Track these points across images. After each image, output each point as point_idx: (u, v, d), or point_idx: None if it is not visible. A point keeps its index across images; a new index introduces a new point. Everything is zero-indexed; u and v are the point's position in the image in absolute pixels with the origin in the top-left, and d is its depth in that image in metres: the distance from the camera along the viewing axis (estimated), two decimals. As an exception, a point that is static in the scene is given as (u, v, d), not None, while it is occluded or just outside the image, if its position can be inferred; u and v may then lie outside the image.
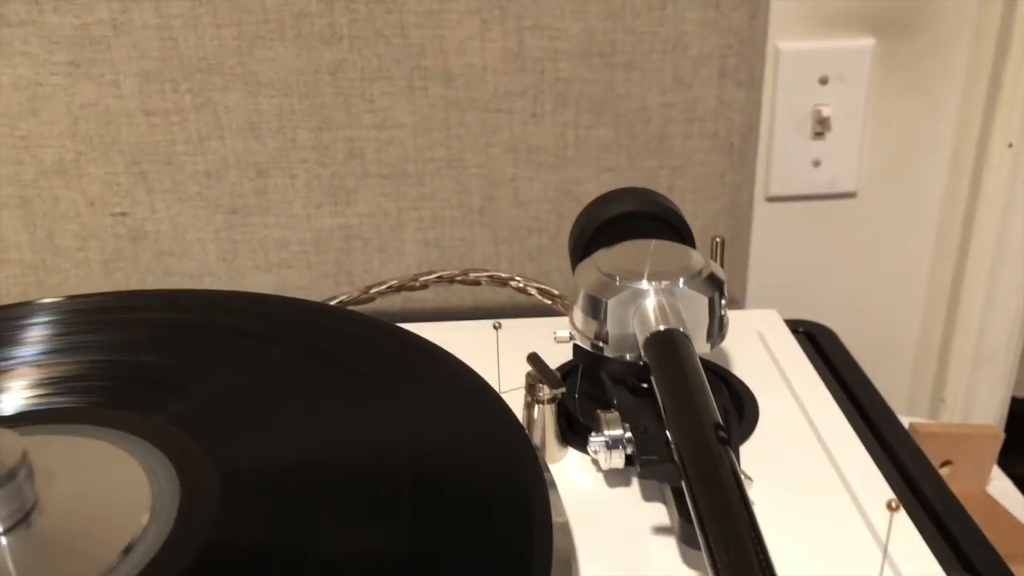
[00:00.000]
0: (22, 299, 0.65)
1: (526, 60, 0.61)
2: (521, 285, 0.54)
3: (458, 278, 0.55)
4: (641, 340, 0.39)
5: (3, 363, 0.41)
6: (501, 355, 0.45)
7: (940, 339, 0.74)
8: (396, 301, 0.62)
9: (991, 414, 0.73)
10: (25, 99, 0.60)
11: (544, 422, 0.41)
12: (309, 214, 0.64)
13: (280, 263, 0.66)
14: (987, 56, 0.65)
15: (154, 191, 0.63)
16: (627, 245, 0.44)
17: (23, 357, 0.42)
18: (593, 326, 0.41)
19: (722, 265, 0.47)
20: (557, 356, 0.46)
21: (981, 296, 0.70)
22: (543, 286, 0.54)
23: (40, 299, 0.47)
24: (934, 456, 0.51)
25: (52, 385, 0.40)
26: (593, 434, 0.38)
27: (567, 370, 0.46)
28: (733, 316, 0.46)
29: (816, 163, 0.68)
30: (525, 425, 0.41)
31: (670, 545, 0.36)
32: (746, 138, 0.64)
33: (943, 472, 0.55)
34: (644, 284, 0.40)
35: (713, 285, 0.41)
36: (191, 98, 0.61)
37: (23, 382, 0.40)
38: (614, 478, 0.40)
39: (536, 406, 0.41)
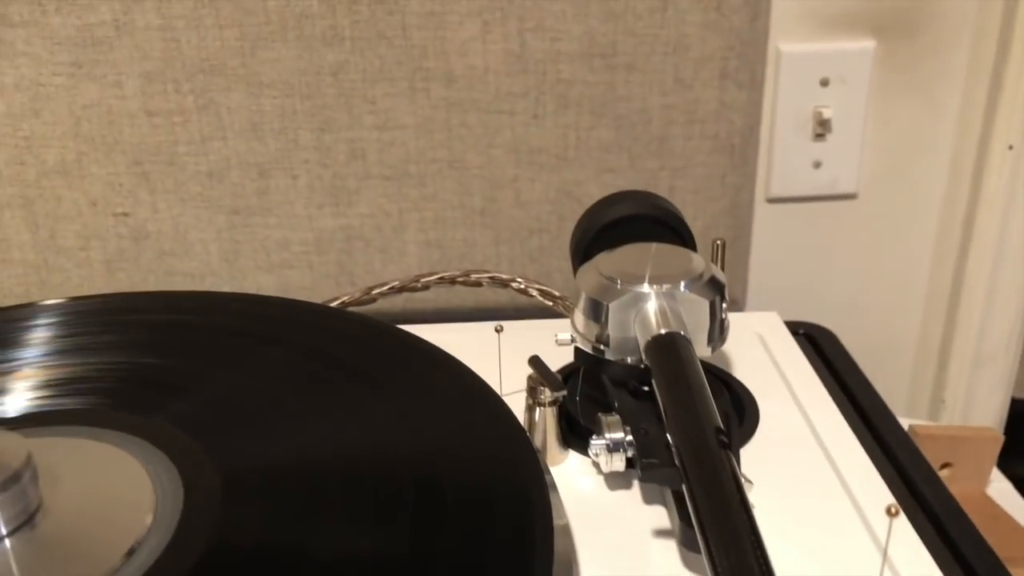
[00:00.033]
0: (24, 298, 0.66)
1: (528, 62, 0.61)
2: (522, 286, 0.54)
3: (459, 279, 0.55)
4: (642, 343, 0.39)
5: (7, 364, 0.42)
6: (502, 357, 0.45)
7: (940, 340, 0.74)
8: (397, 302, 0.62)
9: (991, 415, 0.74)
10: (28, 99, 0.60)
11: (545, 425, 0.41)
12: (311, 215, 0.65)
13: (282, 263, 0.66)
14: (988, 58, 0.65)
15: (156, 191, 0.63)
16: (628, 248, 0.44)
17: (26, 359, 0.42)
18: (594, 329, 0.41)
19: (723, 267, 0.47)
20: (558, 358, 0.46)
21: (981, 297, 0.70)
22: (544, 287, 0.54)
23: (43, 300, 0.47)
24: (934, 458, 0.52)
25: (55, 387, 0.40)
26: (594, 437, 0.38)
27: (568, 373, 0.46)
28: (734, 318, 0.46)
29: (817, 164, 0.68)
30: (526, 427, 0.41)
31: (670, 548, 0.36)
32: (747, 139, 0.65)
33: (943, 474, 0.55)
34: (645, 287, 0.40)
35: (714, 289, 0.41)
36: (193, 99, 0.61)
37: (26, 383, 0.41)
38: (615, 481, 0.40)
39: (537, 409, 0.41)
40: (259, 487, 0.35)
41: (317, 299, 0.63)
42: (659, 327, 0.39)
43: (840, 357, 0.54)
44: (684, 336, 0.39)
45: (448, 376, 0.41)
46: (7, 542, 0.31)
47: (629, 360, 0.41)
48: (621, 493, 0.40)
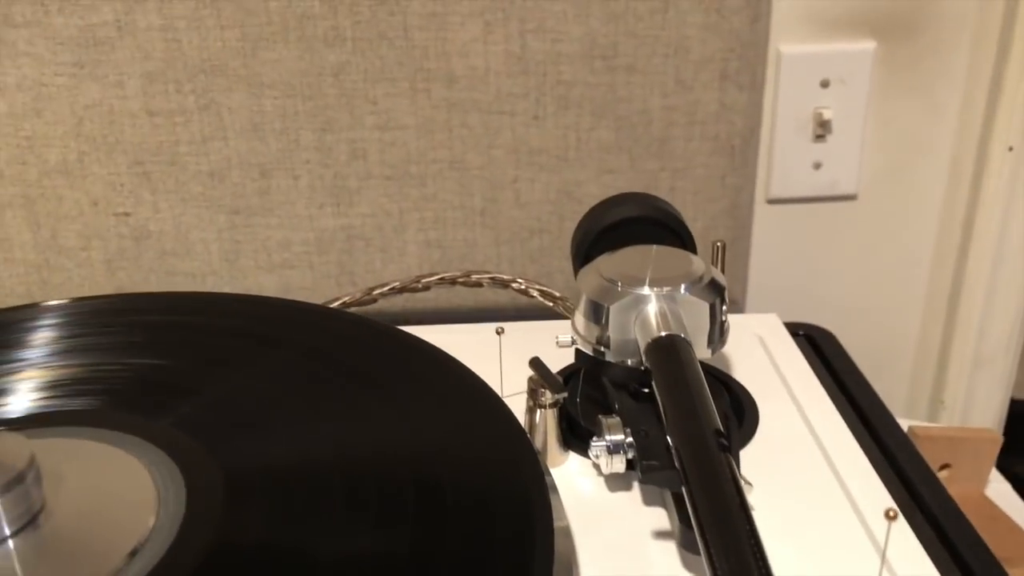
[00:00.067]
0: (26, 298, 0.66)
1: (528, 63, 0.61)
2: (523, 287, 0.54)
3: (460, 280, 0.55)
4: (643, 345, 0.39)
5: (10, 365, 0.42)
6: (503, 358, 0.45)
7: (940, 341, 0.74)
8: (398, 302, 0.62)
9: (990, 416, 0.74)
10: (30, 99, 0.60)
11: (546, 426, 0.41)
12: (312, 215, 0.65)
13: (283, 263, 0.66)
14: (988, 59, 0.65)
15: (157, 191, 0.63)
16: (629, 251, 0.44)
17: (29, 359, 0.42)
18: (595, 331, 0.42)
19: (723, 269, 0.47)
20: (559, 360, 0.46)
21: (981, 298, 0.70)
22: (545, 288, 0.54)
23: (45, 301, 0.47)
24: (933, 459, 0.52)
25: (57, 387, 0.41)
26: (594, 438, 0.38)
27: (569, 374, 0.46)
28: (733, 320, 0.46)
29: (817, 165, 0.68)
30: (527, 429, 0.41)
31: (670, 550, 0.37)
32: (747, 141, 0.65)
33: (942, 475, 0.55)
34: (646, 290, 0.41)
35: (714, 291, 0.41)
36: (195, 99, 0.61)
37: (29, 384, 0.41)
38: (615, 482, 0.40)
39: (538, 410, 0.41)
40: (261, 488, 0.35)
41: (318, 299, 0.64)
42: (659, 329, 0.39)
43: (839, 358, 0.54)
44: (684, 338, 0.39)
45: (449, 377, 0.41)
46: (10, 543, 0.31)
47: (629, 362, 0.41)
48: (621, 495, 0.40)
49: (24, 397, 0.40)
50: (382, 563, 0.31)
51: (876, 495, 0.40)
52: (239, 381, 0.41)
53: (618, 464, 0.38)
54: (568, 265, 0.51)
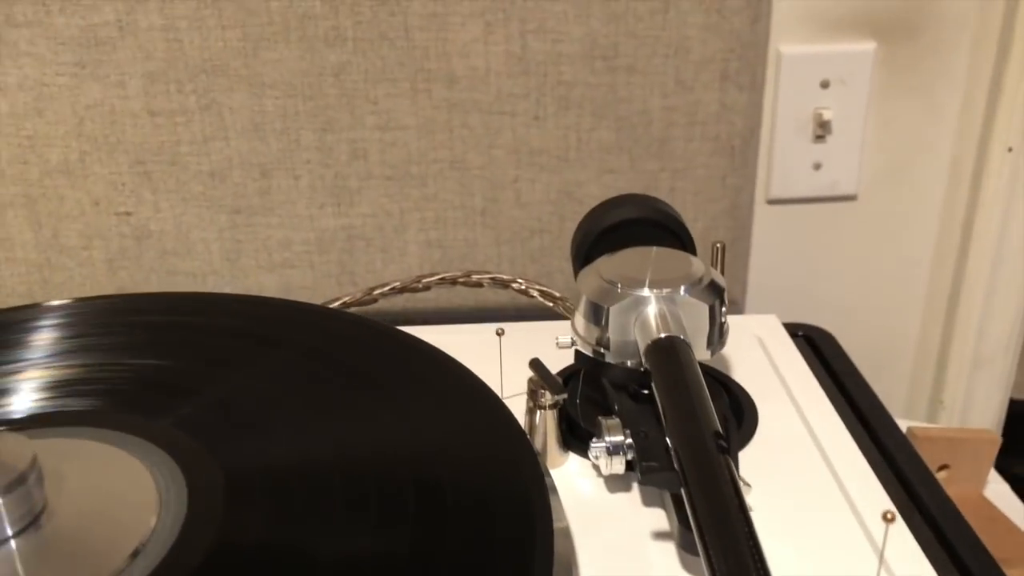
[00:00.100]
0: (27, 297, 0.66)
1: (529, 63, 0.61)
2: (523, 287, 0.54)
3: (460, 280, 0.56)
4: (642, 347, 0.39)
5: (12, 365, 0.42)
6: (503, 359, 0.46)
7: (939, 341, 0.74)
8: (398, 301, 0.62)
9: (989, 417, 0.74)
10: (31, 99, 0.61)
11: (546, 427, 0.41)
12: (312, 214, 0.65)
13: (283, 263, 0.66)
14: (988, 60, 0.65)
15: (158, 191, 0.64)
16: (629, 252, 0.44)
17: (31, 359, 0.42)
18: (595, 332, 0.42)
19: (722, 271, 0.47)
20: (559, 361, 0.46)
21: (980, 299, 0.70)
22: (545, 288, 0.55)
23: (47, 301, 0.47)
24: (932, 460, 0.52)
25: (59, 388, 0.41)
26: (594, 440, 0.38)
27: (569, 375, 0.47)
28: (733, 321, 0.47)
29: (817, 166, 0.68)
30: (527, 430, 0.41)
31: (670, 551, 0.37)
32: (747, 141, 0.65)
33: (940, 476, 0.55)
34: (645, 291, 0.41)
35: (714, 293, 0.41)
36: (196, 99, 0.61)
37: (31, 384, 0.41)
38: (615, 483, 0.40)
39: (538, 411, 0.41)
40: (262, 488, 0.35)
41: (318, 298, 0.64)
42: (659, 331, 0.39)
43: (839, 359, 0.54)
44: (684, 340, 0.39)
45: (449, 378, 0.41)
46: (12, 543, 0.31)
47: (629, 363, 0.41)
48: (620, 496, 0.40)
49: (26, 397, 0.40)
50: (382, 563, 0.32)
51: (875, 496, 0.40)
52: (240, 381, 0.42)
53: (617, 465, 0.38)
54: (568, 265, 0.51)
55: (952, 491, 0.44)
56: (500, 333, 0.45)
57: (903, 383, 0.77)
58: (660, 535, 0.37)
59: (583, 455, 0.42)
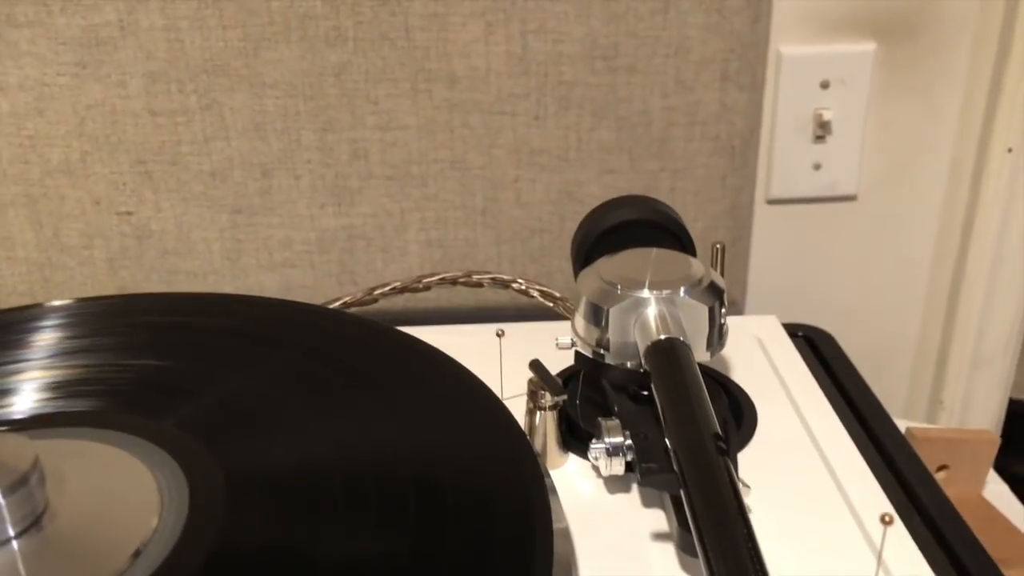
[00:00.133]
0: (28, 296, 0.66)
1: (530, 63, 0.61)
2: (523, 287, 0.55)
3: (461, 280, 0.56)
4: (642, 348, 0.39)
5: (14, 365, 0.42)
6: (503, 359, 0.46)
7: (939, 342, 0.74)
8: (398, 301, 0.62)
9: (989, 417, 0.74)
10: (32, 99, 0.61)
11: (546, 428, 0.41)
12: (313, 214, 0.65)
13: (284, 263, 0.66)
14: (988, 61, 0.66)
15: (159, 191, 0.64)
16: (629, 253, 0.44)
17: (33, 360, 0.42)
18: (595, 333, 0.42)
19: (722, 271, 0.47)
20: (559, 361, 0.46)
21: (980, 299, 0.70)
22: (545, 288, 0.55)
23: (48, 301, 0.47)
24: (931, 460, 0.52)
25: (60, 388, 0.41)
26: (594, 441, 0.38)
27: (568, 375, 0.47)
28: (733, 322, 0.47)
29: (817, 166, 0.68)
30: (527, 431, 0.41)
31: (669, 552, 0.37)
32: (747, 141, 0.65)
33: (939, 476, 0.55)
34: (645, 293, 0.41)
35: (713, 294, 0.41)
36: (197, 99, 0.61)
37: (32, 385, 0.41)
38: (614, 484, 0.41)
39: (538, 412, 0.41)
40: (263, 488, 0.35)
41: (319, 298, 0.64)
42: (659, 332, 0.39)
43: (838, 360, 0.54)
44: (683, 342, 0.39)
45: (449, 379, 0.41)
46: (14, 544, 0.31)
47: (629, 364, 0.41)
48: (620, 496, 0.40)
49: (27, 397, 0.40)
50: (383, 564, 0.32)
51: (873, 498, 0.40)
52: (240, 382, 0.42)
53: (617, 466, 0.38)
54: (568, 265, 0.51)
55: (951, 492, 0.44)
56: (500, 334, 0.45)
57: (903, 383, 0.77)
58: (659, 536, 0.38)
59: (583, 456, 0.42)
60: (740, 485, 0.33)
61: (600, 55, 0.62)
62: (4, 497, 0.31)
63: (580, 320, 0.43)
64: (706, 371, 0.43)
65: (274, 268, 0.66)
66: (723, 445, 0.34)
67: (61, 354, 0.43)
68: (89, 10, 0.59)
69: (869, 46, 0.65)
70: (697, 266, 0.43)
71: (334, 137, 0.63)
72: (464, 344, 0.44)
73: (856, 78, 0.66)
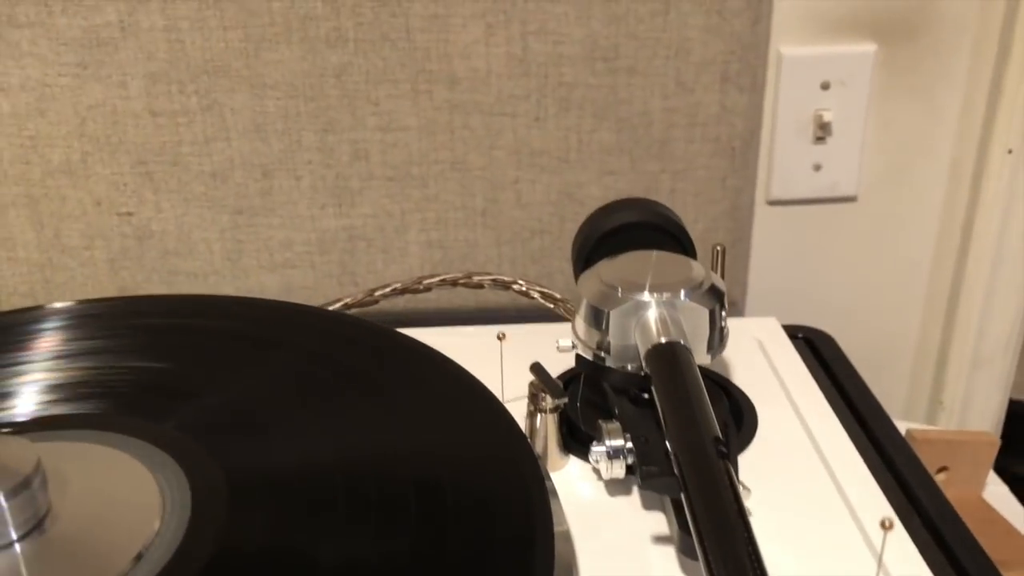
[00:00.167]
0: (29, 296, 0.66)
1: (530, 64, 0.61)
2: (523, 289, 0.55)
3: (461, 281, 0.56)
4: (643, 351, 0.39)
5: (16, 367, 0.42)
6: (504, 361, 0.46)
7: (939, 342, 0.74)
8: (399, 302, 0.62)
9: (989, 417, 0.74)
10: (33, 100, 0.61)
11: (546, 431, 0.41)
12: (314, 215, 0.65)
13: (284, 263, 0.66)
14: (988, 62, 0.66)
15: (160, 191, 0.64)
16: (629, 256, 0.44)
17: (34, 362, 0.43)
18: (595, 336, 0.42)
19: (722, 274, 0.47)
20: (560, 363, 0.46)
21: (980, 299, 0.70)
22: (546, 290, 0.55)
23: (50, 303, 0.47)
24: (930, 462, 0.52)
25: (62, 390, 0.41)
26: (595, 444, 0.39)
27: (569, 378, 0.47)
28: (733, 324, 0.47)
29: (817, 167, 0.68)
30: (527, 433, 0.41)
31: (670, 555, 0.37)
32: (748, 142, 0.65)
33: (939, 478, 0.56)
34: (646, 296, 0.41)
35: (714, 297, 0.42)
36: (197, 100, 0.61)
37: (34, 387, 0.41)
38: (615, 486, 0.41)
39: (538, 415, 0.41)
40: (264, 491, 0.35)
41: (319, 299, 0.64)
42: (659, 335, 0.39)
43: (838, 361, 0.54)
44: (684, 345, 0.39)
45: (449, 381, 0.41)
46: (17, 547, 0.32)
47: (630, 367, 0.41)
48: (621, 499, 0.40)
49: (29, 400, 0.40)
50: (384, 566, 0.32)
51: (873, 501, 0.40)
52: (241, 384, 0.42)
53: (618, 469, 0.38)
54: (568, 266, 0.52)
55: (951, 493, 0.44)
56: (501, 337, 0.45)
57: (903, 383, 0.77)
58: (660, 539, 0.38)
59: (583, 458, 0.42)
60: (740, 488, 0.33)
61: (600, 56, 0.62)
62: (7, 500, 0.31)
63: (581, 323, 0.43)
64: (707, 374, 0.43)
65: (275, 269, 0.66)
66: (724, 449, 0.34)
67: (62, 356, 0.43)
68: (90, 11, 0.59)
69: (869, 47, 0.65)
70: (698, 269, 0.43)
71: (335, 138, 0.63)
72: (465, 346, 0.44)
73: (856, 79, 0.66)
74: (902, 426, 0.51)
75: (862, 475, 0.41)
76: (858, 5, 0.64)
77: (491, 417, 0.39)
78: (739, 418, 0.45)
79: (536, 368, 0.41)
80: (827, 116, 0.66)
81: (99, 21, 0.59)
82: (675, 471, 0.34)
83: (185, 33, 0.60)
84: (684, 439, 0.35)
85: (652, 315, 0.40)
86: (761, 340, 0.52)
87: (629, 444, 0.38)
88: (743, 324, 0.54)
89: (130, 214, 0.64)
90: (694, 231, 0.48)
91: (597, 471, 0.39)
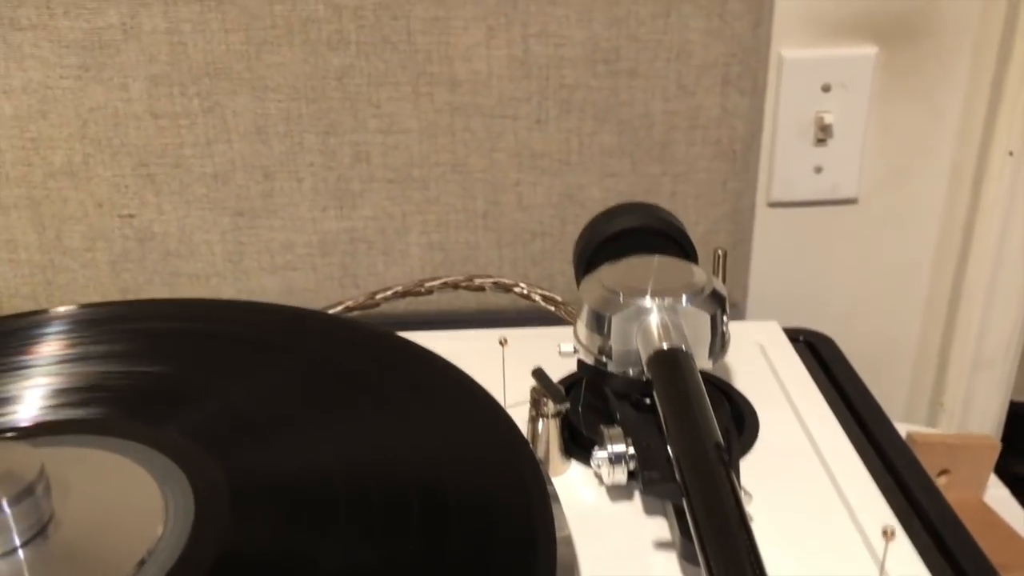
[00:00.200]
0: (31, 298, 0.66)
1: (531, 67, 0.61)
2: (525, 291, 0.55)
3: (463, 284, 0.56)
4: (644, 357, 0.40)
5: (18, 372, 0.42)
6: (506, 364, 0.46)
7: (940, 344, 0.74)
8: (400, 304, 0.62)
9: (989, 419, 0.74)
10: (35, 102, 0.61)
11: (548, 436, 0.41)
12: (315, 217, 0.65)
13: (286, 265, 0.66)
14: (988, 64, 0.66)
15: (162, 193, 0.64)
16: (631, 261, 0.44)
17: (37, 366, 0.43)
18: (597, 341, 0.42)
19: (724, 278, 0.47)
20: (561, 368, 0.46)
21: (981, 302, 0.70)
22: (547, 293, 0.55)
23: (52, 308, 0.47)
24: (931, 465, 0.52)
25: (64, 395, 0.41)
26: (596, 449, 0.39)
27: (571, 383, 0.47)
28: (734, 328, 0.47)
29: (818, 169, 0.68)
30: (529, 439, 0.41)
31: (671, 560, 0.37)
32: (749, 145, 0.65)
33: (940, 481, 0.56)
34: (647, 301, 0.41)
35: (715, 302, 0.42)
36: (199, 102, 0.61)
37: (36, 392, 0.41)
38: (617, 492, 0.41)
39: (540, 420, 0.41)
40: (267, 496, 0.35)
41: (321, 301, 0.64)
42: (661, 341, 0.40)
43: (839, 364, 0.54)
44: (686, 351, 0.39)
45: (451, 386, 0.41)
46: (20, 553, 0.32)
47: (631, 372, 0.41)
48: (622, 504, 0.40)
49: (31, 405, 0.40)
50: (386, 571, 0.32)
51: (874, 505, 0.40)
52: (243, 388, 0.42)
53: (619, 475, 0.38)
54: (570, 268, 0.52)
55: (952, 497, 0.44)
56: (503, 343, 0.45)
57: (903, 386, 0.77)
58: (662, 544, 0.38)
59: (585, 463, 0.42)
60: (742, 494, 0.33)
61: (601, 59, 0.62)
62: (10, 507, 0.31)
63: (582, 328, 0.43)
64: (708, 378, 0.43)
65: (276, 271, 0.66)
66: (725, 455, 0.34)
67: (64, 361, 0.43)
68: (92, 13, 0.59)
69: (870, 50, 0.65)
70: (699, 274, 0.43)
71: (336, 140, 0.63)
72: (466, 349, 0.45)
73: (857, 81, 0.66)
74: (903, 428, 0.52)
75: (863, 478, 0.42)
76: (859, 8, 0.64)
77: (493, 421, 0.39)
78: (740, 422, 0.45)
79: (538, 373, 0.41)
80: (828, 118, 0.66)
81: (101, 24, 0.59)
82: (677, 477, 0.34)
83: (187, 35, 0.60)
84: (686, 445, 0.35)
85: (654, 320, 0.41)
86: (762, 344, 0.52)
87: (631, 449, 0.38)
88: (744, 328, 0.54)
89: (132, 216, 0.64)
90: (695, 233, 0.48)
91: (599, 476, 0.39)
